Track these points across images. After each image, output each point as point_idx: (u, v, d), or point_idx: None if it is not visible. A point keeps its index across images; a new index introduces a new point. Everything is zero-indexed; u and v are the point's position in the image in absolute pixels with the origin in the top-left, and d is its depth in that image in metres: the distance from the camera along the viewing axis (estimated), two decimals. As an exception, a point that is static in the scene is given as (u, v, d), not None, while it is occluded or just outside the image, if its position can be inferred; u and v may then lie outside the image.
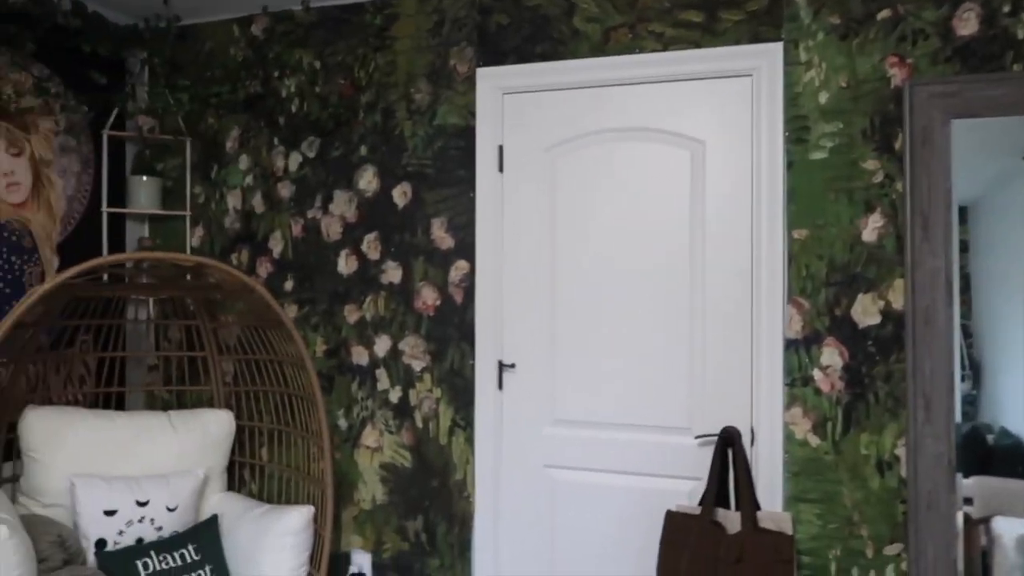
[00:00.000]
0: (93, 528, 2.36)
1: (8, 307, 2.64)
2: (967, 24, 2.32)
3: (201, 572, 2.41)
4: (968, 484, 2.30)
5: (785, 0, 2.46)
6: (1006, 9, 2.28)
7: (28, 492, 2.46)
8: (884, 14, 2.38)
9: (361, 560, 2.87)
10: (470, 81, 2.78)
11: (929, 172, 2.34)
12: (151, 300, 3.04)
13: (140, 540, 2.42)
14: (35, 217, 2.74)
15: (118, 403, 3.04)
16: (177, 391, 3.11)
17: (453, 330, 2.80)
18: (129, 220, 3.13)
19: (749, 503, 2.28)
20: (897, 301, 2.37)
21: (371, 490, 2.89)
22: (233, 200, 3.08)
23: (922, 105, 2.34)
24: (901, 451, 2.35)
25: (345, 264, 2.94)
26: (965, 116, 2.31)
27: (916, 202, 2.35)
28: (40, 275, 2.76)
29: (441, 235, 2.81)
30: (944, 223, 2.33)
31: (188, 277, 2.77)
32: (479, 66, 2.76)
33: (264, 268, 3.03)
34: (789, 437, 2.45)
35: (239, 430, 2.95)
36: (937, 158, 2.34)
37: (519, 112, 2.73)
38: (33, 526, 2.20)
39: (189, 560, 2.41)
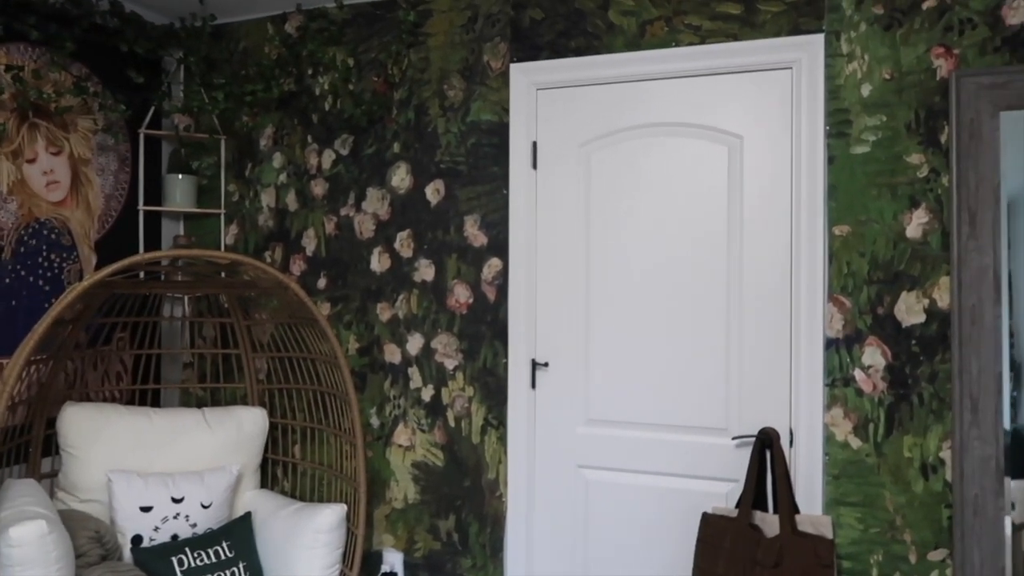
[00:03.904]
0: (129, 524, 2.38)
1: (47, 304, 2.67)
2: (1017, 13, 2.24)
3: (235, 569, 2.42)
4: (1010, 488, 2.23)
5: (826, -9, 2.40)
6: (1059, -3, 2.20)
7: (66, 487, 2.48)
8: (930, 3, 2.31)
9: (393, 559, 2.86)
10: (504, 77, 2.75)
11: (977, 166, 2.27)
12: (186, 298, 3.06)
13: (175, 536, 2.43)
14: (74, 215, 2.77)
15: (153, 400, 3.07)
16: (211, 388, 3.13)
17: (486, 328, 2.78)
18: (165, 218, 3.15)
19: (788, 506, 2.22)
20: (942, 299, 2.30)
21: (403, 489, 2.88)
22: (267, 198, 3.09)
23: (969, 97, 2.27)
24: (946, 454, 2.28)
25: (378, 262, 2.93)
26: (1016, 108, 2.24)
27: (963, 197, 2.28)
28: (78, 272, 2.80)
29: (474, 232, 2.79)
30: (992, 219, 2.26)
31: (223, 275, 2.78)
32: (513, 61, 2.74)
33: (297, 266, 3.04)
34: (829, 439, 2.39)
35: (272, 427, 2.97)
36: (985, 151, 2.27)
37: (553, 108, 2.70)
38: (71, 521, 2.23)
39: (223, 557, 2.42)
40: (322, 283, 3.01)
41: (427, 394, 2.86)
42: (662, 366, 2.57)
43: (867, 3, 2.37)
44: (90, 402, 2.61)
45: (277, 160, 3.07)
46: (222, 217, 3.14)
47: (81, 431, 2.48)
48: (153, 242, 3.10)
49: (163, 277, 2.96)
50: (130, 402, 2.98)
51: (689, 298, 2.55)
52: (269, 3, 2.96)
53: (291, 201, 3.06)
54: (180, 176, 3.02)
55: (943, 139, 2.30)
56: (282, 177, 3.07)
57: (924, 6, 2.32)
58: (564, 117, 2.68)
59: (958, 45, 2.29)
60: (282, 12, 3.04)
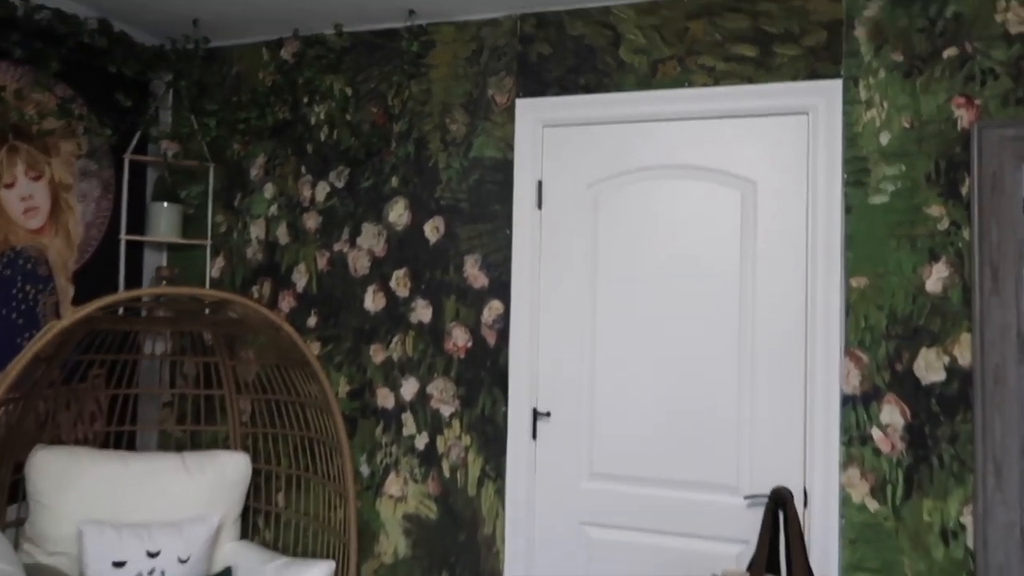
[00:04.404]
0: (100, 581, 2.21)
1: (20, 339, 2.51)
2: (1041, 65, 2.19)
3: (213, 631, 2.25)
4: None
5: (845, 35, 2.34)
6: (1084, 50, 2.15)
7: (33, 538, 2.31)
8: (950, 52, 2.25)
9: (380, 615, 2.70)
10: (509, 112, 2.66)
11: (999, 220, 2.20)
12: (168, 333, 2.91)
13: (149, 594, 2.26)
14: (52, 244, 2.62)
15: (129, 442, 2.90)
16: (191, 431, 2.96)
17: (485, 374, 2.65)
18: (147, 248, 3.00)
19: (802, 570, 2.11)
20: (964, 357, 2.22)
21: (393, 542, 2.72)
22: (256, 230, 2.96)
23: (992, 149, 2.21)
24: (968, 519, 2.19)
25: (372, 301, 2.80)
26: (1040, 162, 2.17)
27: (985, 251, 2.20)
28: (54, 305, 2.63)
29: (475, 273, 2.68)
30: (1015, 275, 2.19)
31: (207, 312, 2.64)
32: (519, 97, 2.64)
33: (287, 302, 2.90)
34: (845, 500, 2.28)
35: (255, 473, 2.81)
36: (1008, 205, 2.20)
37: (560, 146, 2.60)
38: (36, 579, 2.06)
39: (201, 618, 2.25)
40: (312, 321, 2.87)
41: (421, 442, 2.72)
42: (671, 419, 2.46)
43: (886, 49, 2.31)
44: (62, 445, 2.44)
45: (268, 191, 2.94)
46: (208, 248, 2.99)
47: (52, 477, 2.31)
48: (134, 273, 2.94)
49: (145, 312, 2.81)
50: (104, 445, 2.81)
51: (699, 347, 2.45)
52: (265, 28, 2.85)
53: (282, 234, 2.92)
54: (165, 204, 2.88)
55: (964, 191, 2.23)
56: (273, 209, 2.94)
57: (945, 55, 2.26)
58: (571, 156, 2.59)
59: (980, 96, 2.23)
60: (278, 37, 2.93)
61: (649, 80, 2.51)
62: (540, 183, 2.62)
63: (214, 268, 3.01)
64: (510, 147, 2.65)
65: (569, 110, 2.57)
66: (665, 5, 2.50)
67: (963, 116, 2.24)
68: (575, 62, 2.59)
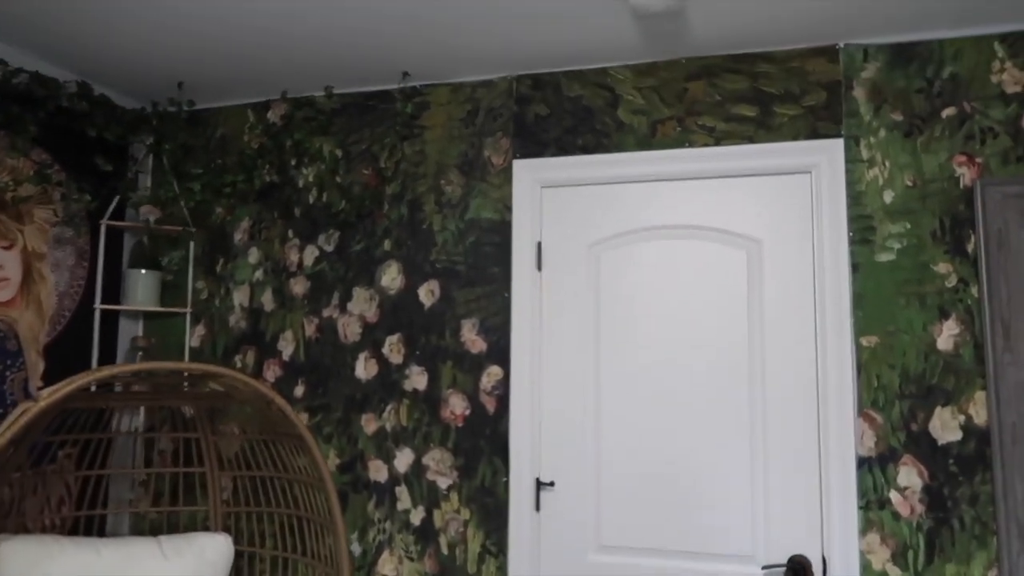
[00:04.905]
0: None
1: (-16, 418, 2.33)
2: (1038, 123, 2.21)
3: None
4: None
5: (844, 95, 2.35)
6: (1078, 109, 2.18)
7: (-6, 640, 2.09)
8: (949, 112, 2.27)
9: None
10: (506, 173, 2.60)
11: (1007, 276, 2.19)
12: (143, 409, 2.74)
13: None
14: (22, 316, 2.46)
15: (100, 526, 2.69)
16: (168, 512, 2.76)
17: (484, 443, 2.53)
18: (123, 317, 2.85)
19: (830, 646, 2.01)
20: (979, 415, 2.17)
21: (390, 627, 2.55)
22: (240, 296, 2.83)
23: (996, 206, 2.21)
24: (995, 584, 2.11)
25: (364, 368, 2.67)
26: (1045, 219, 2.18)
27: (995, 308, 2.18)
28: (23, 382, 2.46)
29: (472, 338, 2.58)
30: (1027, 331, 2.17)
31: (186, 386, 2.48)
32: (516, 158, 2.60)
33: (272, 371, 2.76)
34: (866, 567, 2.19)
35: (237, 556, 2.62)
36: (1015, 261, 2.19)
37: (559, 207, 2.55)
38: None
39: None
40: (300, 391, 2.73)
41: (417, 517, 2.57)
42: (682, 486, 2.36)
43: (885, 109, 2.32)
44: (28, 534, 2.24)
45: (253, 255, 2.83)
46: (188, 316, 2.85)
47: (19, 571, 2.10)
48: (108, 344, 2.78)
49: (120, 387, 2.64)
50: (73, 531, 2.60)
51: (709, 411, 2.37)
52: (252, 90, 2.78)
53: (267, 300, 2.80)
54: (143, 271, 2.74)
55: (970, 248, 2.22)
56: (258, 274, 2.82)
57: (944, 114, 2.28)
58: (571, 217, 2.54)
59: (981, 154, 2.24)
60: (265, 99, 2.86)
61: (649, 140, 2.49)
62: (539, 244, 2.55)
63: (194, 337, 2.86)
64: (508, 208, 2.59)
65: (568, 170, 2.53)
66: (663, 67, 2.50)
67: (965, 174, 2.25)
68: (573, 123, 2.56)
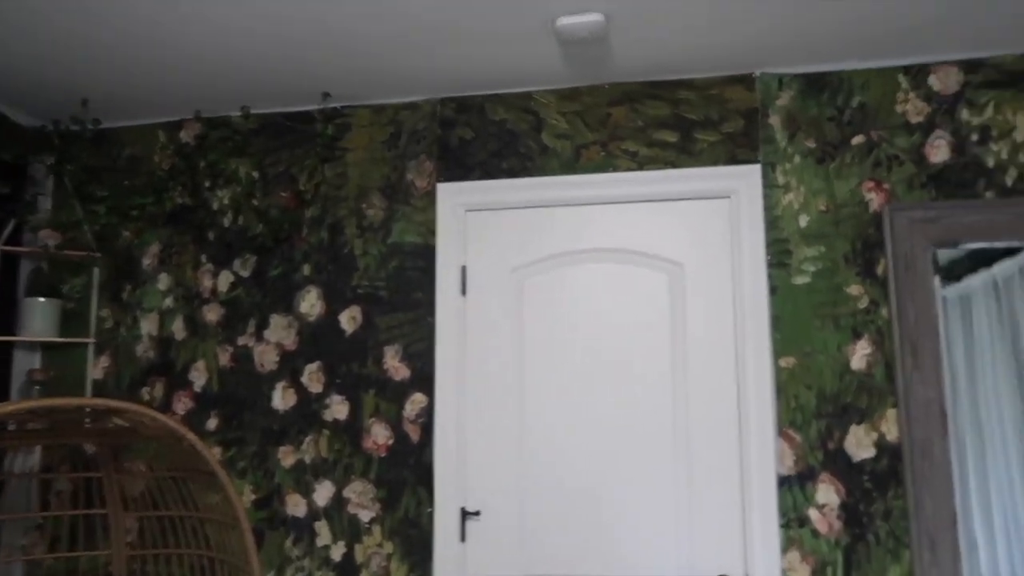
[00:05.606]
0: None
1: None
2: (939, 152, 2.32)
3: None
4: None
5: (761, 123, 2.42)
6: (975, 138, 2.31)
7: None
8: (858, 140, 2.37)
9: None
10: (430, 197, 2.57)
11: (914, 298, 2.28)
12: (38, 447, 2.55)
13: None
14: (-99, 348, 2.26)
15: (-11, 573, 2.49)
16: (66, 557, 2.57)
17: (408, 473, 2.46)
18: (18, 349, 2.66)
19: (757, 668, 2.01)
20: (891, 432, 2.24)
21: (309, 671, 2.43)
22: (148, 325, 2.68)
23: (903, 230, 2.30)
24: (910, 598, 2.17)
25: (281, 399, 2.57)
26: (947, 243, 2.28)
27: (904, 329, 2.27)
28: (-99, 418, 2.25)
29: (395, 365, 2.51)
30: (934, 351, 2.25)
31: (87, 422, 2.33)
32: (440, 181, 2.56)
33: (183, 404, 2.62)
34: (789, 586, 2.22)
35: (144, 601, 2.45)
36: (921, 284, 2.28)
37: (484, 231, 2.52)
38: None
39: None
40: (212, 423, 2.60)
41: (337, 552, 2.47)
42: (607, 510, 2.34)
43: (799, 137, 2.40)
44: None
45: (163, 282, 2.69)
46: (91, 347, 2.69)
47: None
48: (2, 379, 2.59)
49: (12, 425, 2.45)
50: (-43, 580, 2.39)
51: (633, 433, 2.37)
52: (163, 109, 2.66)
53: (178, 329, 2.67)
54: (41, 299, 2.57)
55: (880, 271, 2.31)
56: (168, 301, 2.68)
57: (853, 142, 2.37)
58: (496, 241, 2.52)
59: (888, 180, 2.34)
60: (178, 119, 2.75)
61: (573, 164, 2.50)
62: (464, 268, 2.52)
63: (97, 369, 2.69)
64: (431, 232, 2.55)
65: (493, 194, 2.51)
66: (586, 92, 2.52)
67: (874, 199, 2.34)
68: (497, 146, 2.55)
